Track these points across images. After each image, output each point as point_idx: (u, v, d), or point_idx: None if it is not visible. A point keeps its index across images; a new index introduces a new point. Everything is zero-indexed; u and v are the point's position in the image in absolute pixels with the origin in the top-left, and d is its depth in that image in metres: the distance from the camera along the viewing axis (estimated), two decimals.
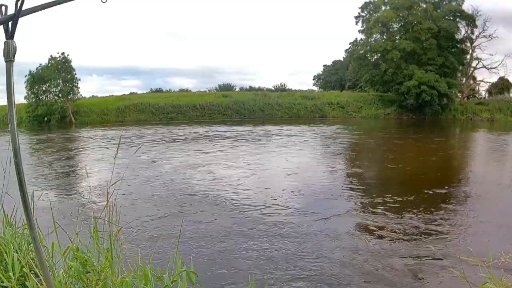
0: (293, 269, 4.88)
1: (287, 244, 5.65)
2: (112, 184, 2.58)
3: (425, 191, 8.62)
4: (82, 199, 8.46)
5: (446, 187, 9.15)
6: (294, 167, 11.79)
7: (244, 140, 19.05)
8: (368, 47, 37.61)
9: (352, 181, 10.23)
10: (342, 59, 51.82)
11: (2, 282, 2.07)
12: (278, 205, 7.70)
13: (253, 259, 5.17)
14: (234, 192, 8.70)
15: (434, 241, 5.78)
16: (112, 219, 2.46)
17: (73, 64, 33.76)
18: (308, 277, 4.67)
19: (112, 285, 2.12)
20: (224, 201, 7.99)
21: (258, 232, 6.16)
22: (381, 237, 5.97)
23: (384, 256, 5.22)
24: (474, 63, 39.18)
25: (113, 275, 2.16)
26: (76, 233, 2.50)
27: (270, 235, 6.01)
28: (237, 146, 16.98)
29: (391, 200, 7.87)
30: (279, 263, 5.04)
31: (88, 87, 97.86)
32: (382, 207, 7.43)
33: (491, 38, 36.20)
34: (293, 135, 21.62)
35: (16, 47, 1.20)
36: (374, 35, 37.20)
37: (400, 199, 8.00)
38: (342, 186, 9.51)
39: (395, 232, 6.14)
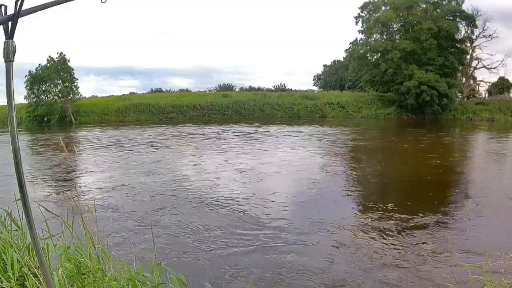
0: None
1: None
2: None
3: (424, 192, 8.60)
4: (77, 199, 8.41)
5: (446, 187, 9.13)
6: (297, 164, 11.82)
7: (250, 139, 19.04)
8: (368, 47, 37.57)
9: (353, 183, 10.21)
10: (342, 59, 51.88)
11: (2, 282, 2.07)
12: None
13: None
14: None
15: (432, 243, 5.75)
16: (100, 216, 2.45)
17: (70, 64, 33.86)
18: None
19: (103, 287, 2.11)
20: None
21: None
22: (373, 238, 5.90)
23: (379, 259, 5.20)
24: (474, 63, 39.22)
25: (104, 277, 2.15)
26: (70, 233, 2.50)
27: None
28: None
29: (388, 203, 7.72)
30: None
31: (86, 87, 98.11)
32: (377, 211, 7.24)
33: (491, 38, 36.22)
34: (296, 134, 21.61)
35: (15, 47, 1.20)
36: (374, 35, 37.19)
37: (398, 201, 7.98)
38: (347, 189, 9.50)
39: (391, 235, 6.06)
